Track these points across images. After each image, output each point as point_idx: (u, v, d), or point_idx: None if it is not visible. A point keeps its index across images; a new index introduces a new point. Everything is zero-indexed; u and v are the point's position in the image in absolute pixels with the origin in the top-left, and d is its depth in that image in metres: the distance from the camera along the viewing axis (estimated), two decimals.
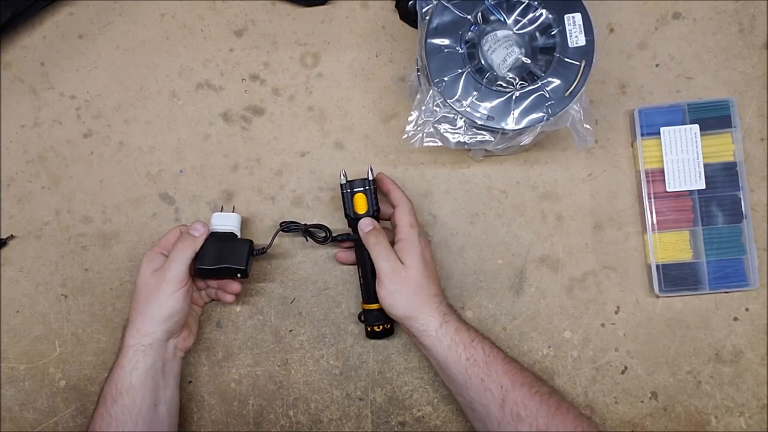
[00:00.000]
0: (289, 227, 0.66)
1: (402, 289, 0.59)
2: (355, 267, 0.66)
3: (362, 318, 0.66)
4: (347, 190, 0.63)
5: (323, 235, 0.66)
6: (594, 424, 0.60)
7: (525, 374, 0.58)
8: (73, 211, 0.70)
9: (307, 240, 0.66)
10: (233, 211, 0.68)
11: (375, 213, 0.63)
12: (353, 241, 0.64)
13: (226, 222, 0.65)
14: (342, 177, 0.63)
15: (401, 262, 0.59)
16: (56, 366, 0.69)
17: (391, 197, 0.63)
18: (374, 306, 0.64)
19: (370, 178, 0.63)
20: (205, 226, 0.63)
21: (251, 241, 0.64)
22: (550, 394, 0.57)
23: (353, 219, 0.63)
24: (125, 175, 0.70)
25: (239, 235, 0.65)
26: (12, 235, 0.70)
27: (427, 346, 0.59)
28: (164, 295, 0.59)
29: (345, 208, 0.64)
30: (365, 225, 0.62)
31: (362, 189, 0.63)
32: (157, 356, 0.60)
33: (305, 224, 0.66)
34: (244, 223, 0.69)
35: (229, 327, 0.68)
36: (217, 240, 0.63)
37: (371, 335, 0.65)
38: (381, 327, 0.65)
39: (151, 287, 0.59)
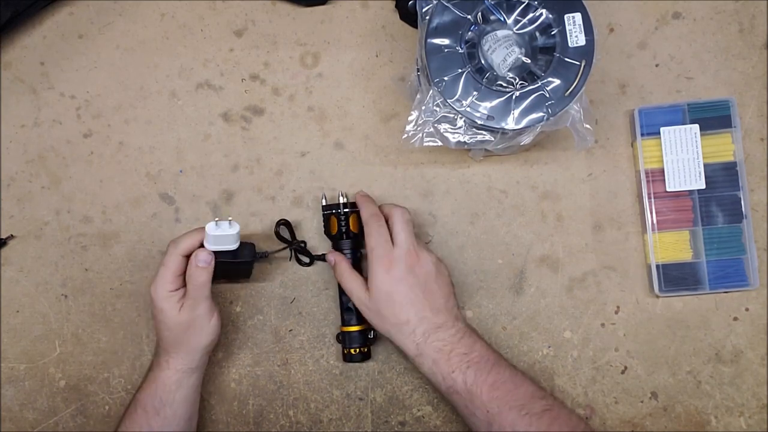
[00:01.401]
0: (285, 241, 0.67)
1: (371, 316, 0.61)
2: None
3: (339, 339, 0.66)
4: (325, 212, 0.66)
5: (306, 260, 0.68)
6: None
7: (516, 395, 0.56)
8: (73, 211, 0.70)
9: (289, 259, 0.68)
10: (230, 221, 0.60)
11: (347, 237, 0.64)
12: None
13: (228, 242, 0.60)
14: (323, 200, 0.66)
15: (368, 289, 0.60)
16: (56, 366, 0.69)
17: (383, 213, 0.62)
18: (352, 328, 0.64)
19: (341, 201, 0.64)
20: (209, 253, 0.59)
21: (254, 254, 0.63)
22: (543, 413, 0.55)
23: (330, 239, 0.66)
24: (125, 175, 0.70)
25: (238, 244, 0.62)
26: (12, 235, 0.70)
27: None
28: (203, 329, 0.60)
29: (323, 228, 0.66)
30: (329, 259, 0.64)
31: (332, 212, 0.65)
32: (200, 374, 0.63)
33: (297, 242, 0.67)
34: (243, 225, 0.68)
35: (229, 327, 0.68)
36: (223, 261, 0.61)
37: (347, 358, 0.65)
38: (357, 350, 0.64)
39: (188, 324, 0.60)
